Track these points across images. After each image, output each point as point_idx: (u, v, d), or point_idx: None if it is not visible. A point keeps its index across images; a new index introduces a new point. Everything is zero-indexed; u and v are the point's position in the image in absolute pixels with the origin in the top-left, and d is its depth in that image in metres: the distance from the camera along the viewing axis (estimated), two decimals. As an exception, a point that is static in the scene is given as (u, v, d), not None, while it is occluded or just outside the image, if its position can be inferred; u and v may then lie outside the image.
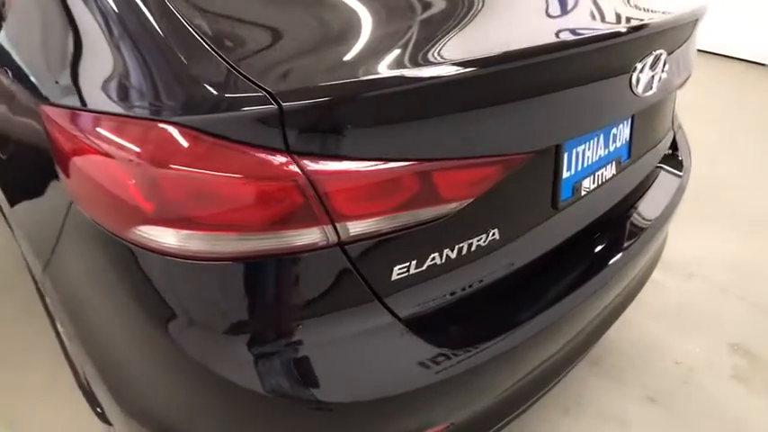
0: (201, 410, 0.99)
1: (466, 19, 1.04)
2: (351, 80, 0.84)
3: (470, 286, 1.07)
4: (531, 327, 1.12)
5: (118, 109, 0.89)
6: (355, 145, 0.84)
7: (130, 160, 0.85)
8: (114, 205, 0.89)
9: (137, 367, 1.04)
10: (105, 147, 0.88)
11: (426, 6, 1.07)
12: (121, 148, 0.86)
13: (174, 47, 0.87)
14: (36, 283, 1.94)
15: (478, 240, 1.03)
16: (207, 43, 0.86)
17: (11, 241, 2.14)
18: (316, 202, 0.84)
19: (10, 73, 1.28)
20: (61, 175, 1.00)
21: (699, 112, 4.13)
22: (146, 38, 0.90)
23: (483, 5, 1.10)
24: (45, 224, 1.19)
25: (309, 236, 0.86)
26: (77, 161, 0.94)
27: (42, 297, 1.94)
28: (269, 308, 0.90)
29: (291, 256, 0.88)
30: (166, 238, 0.85)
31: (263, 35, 0.93)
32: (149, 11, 0.92)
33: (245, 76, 0.82)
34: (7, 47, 1.33)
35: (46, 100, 1.07)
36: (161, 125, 0.83)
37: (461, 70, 0.88)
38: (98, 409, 1.45)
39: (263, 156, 0.80)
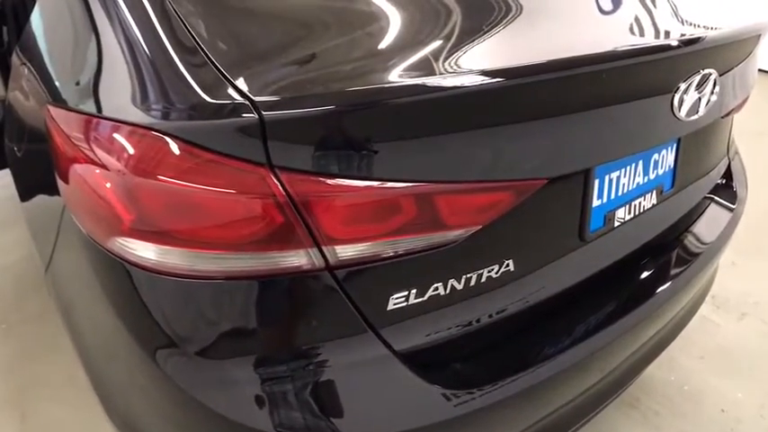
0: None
1: (484, 26, 0.95)
2: (340, 91, 0.76)
3: (478, 320, 0.97)
4: (550, 366, 1.02)
5: (108, 112, 0.85)
6: (346, 162, 0.76)
7: (112, 166, 0.80)
8: (97, 213, 0.84)
9: (117, 380, 1.00)
10: (89, 150, 0.84)
11: (439, 12, 0.98)
12: (103, 152, 0.82)
13: (169, 49, 0.82)
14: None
15: (490, 271, 0.93)
16: (200, 46, 0.81)
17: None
18: (298, 223, 0.76)
19: (26, 69, 1.27)
20: (57, 176, 0.96)
21: (763, 135, 3.89)
22: (140, 38, 0.85)
23: (502, 11, 1.01)
24: (46, 225, 1.17)
25: (294, 258, 0.79)
26: (68, 163, 0.90)
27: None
28: (251, 333, 0.84)
29: (276, 279, 0.81)
30: (144, 251, 0.80)
31: (257, 39, 0.87)
32: (150, 9, 0.87)
33: (230, 82, 0.75)
34: (30, 41, 1.32)
35: (51, 99, 1.04)
36: (142, 131, 0.77)
37: (470, 83, 0.79)
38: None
39: (243, 169, 0.74)
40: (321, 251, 0.79)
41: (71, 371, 1.90)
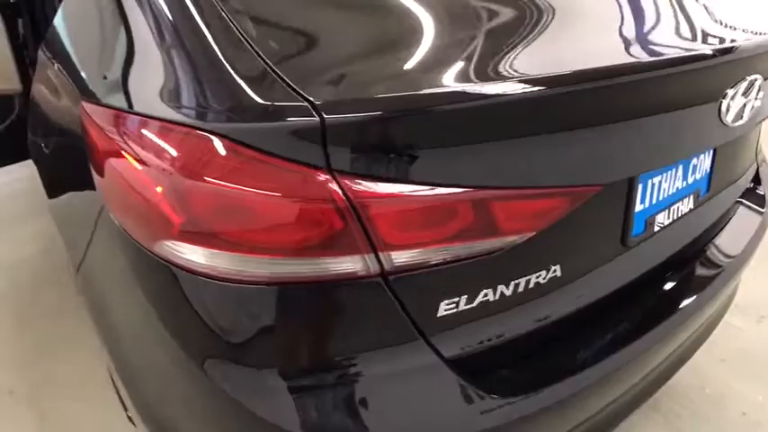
0: None
1: (536, 32, 0.93)
2: (404, 94, 0.75)
3: (524, 327, 0.96)
4: (591, 373, 1.01)
5: (154, 111, 0.83)
6: (405, 166, 0.74)
7: (160, 167, 0.79)
8: (142, 215, 0.83)
9: (156, 383, 0.99)
10: (137, 150, 0.83)
11: (491, 16, 0.97)
12: (151, 153, 0.80)
13: (215, 46, 0.80)
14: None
15: (537, 277, 0.92)
16: (250, 44, 0.79)
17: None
18: (357, 228, 0.75)
19: (56, 65, 1.25)
20: (94, 176, 0.95)
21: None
22: (185, 34, 0.84)
23: (555, 18, 0.99)
24: (79, 224, 1.16)
25: (349, 264, 0.77)
26: (109, 163, 0.89)
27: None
28: (299, 340, 0.82)
29: (327, 285, 0.79)
30: (193, 255, 0.79)
31: (312, 39, 0.85)
32: (192, 5, 0.86)
33: (286, 83, 0.74)
34: (58, 37, 1.30)
35: (86, 95, 1.02)
36: (194, 132, 0.76)
37: (530, 89, 0.78)
38: (126, 412, 1.42)
39: (300, 173, 0.72)
40: (377, 257, 0.77)
41: (90, 368, 1.89)
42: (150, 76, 0.88)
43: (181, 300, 0.83)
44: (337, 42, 0.85)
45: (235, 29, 0.81)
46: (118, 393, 1.54)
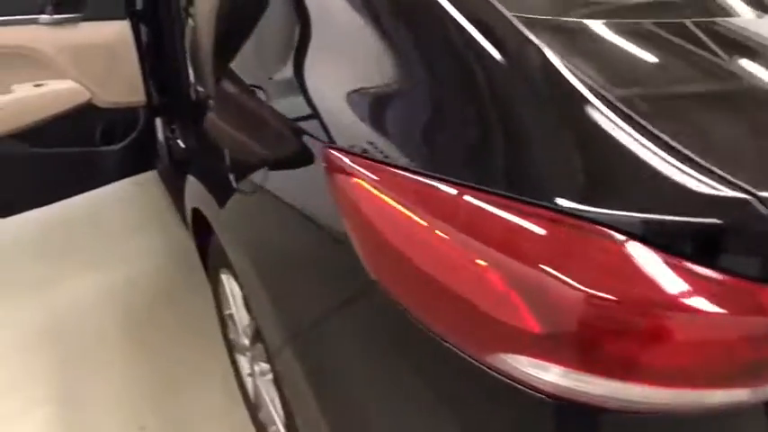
0: None
1: None
2: None
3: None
4: None
5: (491, 185, 0.68)
6: None
7: (517, 261, 0.64)
8: (468, 315, 0.68)
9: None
10: (471, 237, 0.68)
11: None
12: (504, 243, 0.65)
13: (601, 113, 0.67)
14: (223, 324, 1.77)
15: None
16: (641, 120, 0.66)
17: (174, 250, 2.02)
18: None
19: (266, 98, 1.11)
20: (358, 246, 0.81)
21: None
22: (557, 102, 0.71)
23: None
24: (305, 292, 1.02)
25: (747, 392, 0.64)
26: (402, 242, 0.74)
27: (227, 338, 1.79)
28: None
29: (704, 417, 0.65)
30: (551, 375, 0.64)
31: (731, 120, 0.71)
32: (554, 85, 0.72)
33: (708, 170, 0.60)
34: (267, 66, 1.16)
35: (336, 143, 0.87)
36: (571, 221, 0.62)
37: None
38: None
39: (733, 285, 0.58)
40: None
41: (223, 401, 1.79)
42: (489, 145, 0.74)
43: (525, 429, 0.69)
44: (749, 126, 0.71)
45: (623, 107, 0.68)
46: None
